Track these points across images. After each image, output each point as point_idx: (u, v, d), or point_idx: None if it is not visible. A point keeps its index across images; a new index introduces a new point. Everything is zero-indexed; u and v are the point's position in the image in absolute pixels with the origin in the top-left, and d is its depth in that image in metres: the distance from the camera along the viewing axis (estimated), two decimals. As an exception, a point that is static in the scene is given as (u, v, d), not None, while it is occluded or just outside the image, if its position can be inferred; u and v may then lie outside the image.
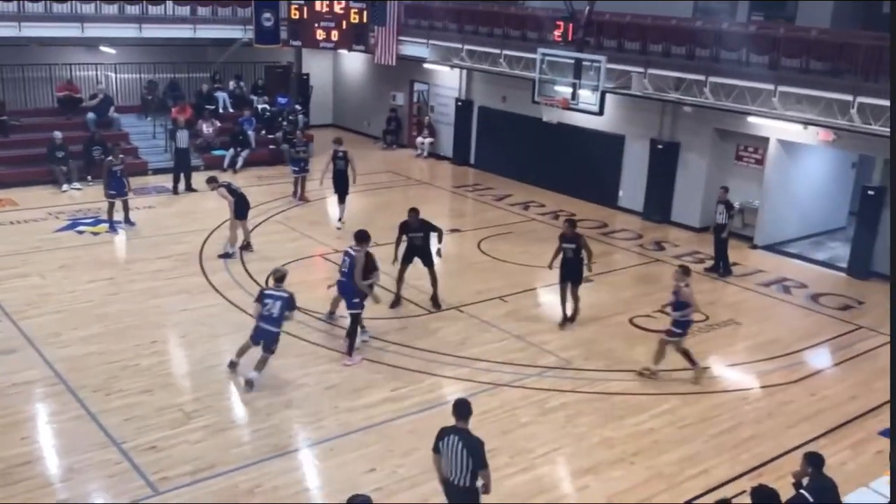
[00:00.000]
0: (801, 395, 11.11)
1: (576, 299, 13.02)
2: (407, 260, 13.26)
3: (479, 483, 7.10)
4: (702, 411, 10.60)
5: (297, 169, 19.63)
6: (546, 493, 8.80)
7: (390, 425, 9.89)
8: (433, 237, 13.22)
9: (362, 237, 11.56)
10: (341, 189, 17.46)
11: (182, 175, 19.68)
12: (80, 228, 16.60)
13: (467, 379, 11.08)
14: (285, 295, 10.57)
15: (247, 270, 14.63)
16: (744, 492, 8.43)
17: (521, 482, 8.88)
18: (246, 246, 15.60)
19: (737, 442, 9.92)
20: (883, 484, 8.26)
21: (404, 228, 13.15)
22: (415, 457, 9.21)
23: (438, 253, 13.26)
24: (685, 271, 11.37)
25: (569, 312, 13.06)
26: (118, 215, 16.78)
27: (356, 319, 11.45)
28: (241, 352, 10.90)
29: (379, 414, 10.12)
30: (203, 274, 14.48)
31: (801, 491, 7.18)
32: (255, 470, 8.87)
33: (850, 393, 11.25)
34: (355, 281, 11.30)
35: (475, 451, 6.97)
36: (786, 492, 7.56)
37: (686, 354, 11.32)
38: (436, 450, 7.21)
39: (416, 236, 13.11)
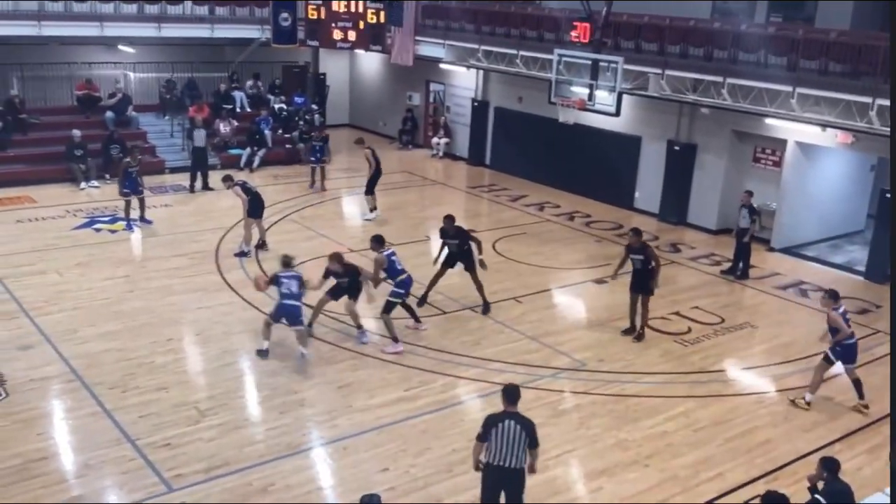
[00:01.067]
0: (818, 400, 10.99)
1: (645, 311, 12.58)
2: (447, 264, 13.35)
3: (527, 462, 7.53)
4: (717, 414, 10.54)
5: (314, 159, 20.46)
6: (560, 494, 8.78)
7: (403, 425, 9.90)
8: (473, 246, 13.25)
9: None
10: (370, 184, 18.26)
11: (199, 174, 19.79)
12: (98, 226, 16.72)
13: (481, 379, 11.06)
14: (298, 273, 11.44)
15: (262, 269, 14.67)
16: (758, 496, 8.40)
17: (535, 483, 8.80)
18: (261, 245, 15.66)
19: (752, 446, 9.85)
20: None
21: (442, 234, 13.30)
22: (427, 457, 9.22)
23: (482, 264, 13.31)
24: (832, 296, 10.74)
25: (637, 324, 12.71)
26: (135, 213, 16.91)
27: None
28: (266, 335, 11.33)
29: (392, 414, 10.12)
30: (219, 272, 14.56)
31: (816, 496, 7.14)
32: (268, 468, 8.90)
33: (867, 397, 11.13)
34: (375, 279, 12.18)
35: (532, 432, 7.43)
36: (801, 496, 7.53)
37: (856, 384, 10.86)
38: (483, 438, 7.46)
39: (452, 243, 13.20)
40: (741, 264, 15.65)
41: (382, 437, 9.61)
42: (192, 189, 19.74)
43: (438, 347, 11.98)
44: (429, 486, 8.71)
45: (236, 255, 15.29)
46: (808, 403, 10.82)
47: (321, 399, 10.42)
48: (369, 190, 18.24)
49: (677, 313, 13.77)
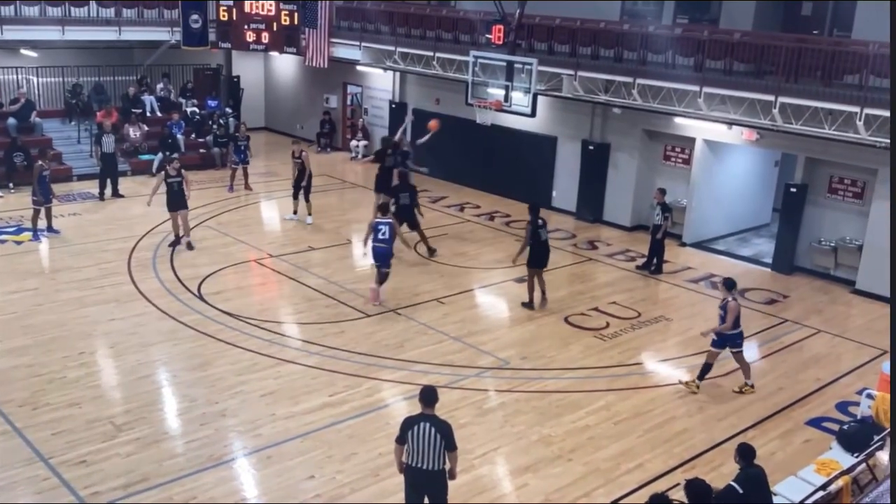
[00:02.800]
0: (731, 388, 11.41)
1: (540, 282, 14.00)
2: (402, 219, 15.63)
3: (447, 466, 7.49)
4: (636, 406, 10.82)
5: (237, 160, 20.38)
6: (486, 492, 8.85)
7: (329, 430, 9.81)
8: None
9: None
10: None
11: (108, 180, 19.19)
12: (2, 237, 16.01)
13: (406, 381, 11.06)
14: (391, 221, 13.65)
15: (177, 277, 14.34)
16: (677, 485, 8.66)
17: (461, 483, 8.87)
18: (176, 241, 15.55)
19: (670, 436, 10.14)
20: (810, 472, 8.53)
21: (395, 191, 16.26)
22: (354, 462, 9.18)
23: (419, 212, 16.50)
24: (728, 285, 10.99)
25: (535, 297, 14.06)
26: (42, 223, 16.26)
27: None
28: (382, 280, 13.53)
29: (317, 420, 10.03)
30: (132, 282, 14.14)
31: (731, 482, 7.39)
32: (190, 482, 8.69)
33: (777, 384, 11.62)
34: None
35: (447, 434, 7.35)
36: (719, 482, 7.80)
37: (708, 368, 11.16)
38: (400, 440, 7.41)
39: (404, 195, 16.05)
40: (655, 259, 16.11)
41: (308, 444, 9.51)
42: (101, 197, 19.12)
43: (363, 350, 11.93)
44: (356, 492, 8.67)
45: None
46: (752, 386, 11.30)
47: (243, 409, 10.24)
48: (306, 194, 18.12)
49: (596, 309, 14.07)
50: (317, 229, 17.66)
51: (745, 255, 17.60)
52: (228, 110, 24.43)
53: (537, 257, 13.79)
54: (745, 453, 7.55)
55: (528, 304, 13.85)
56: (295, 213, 18.24)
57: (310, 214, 18.01)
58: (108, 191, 19.16)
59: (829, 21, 17.44)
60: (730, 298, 10.93)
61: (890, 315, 14.50)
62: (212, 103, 24.23)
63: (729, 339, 11.06)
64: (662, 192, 16.04)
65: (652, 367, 12.17)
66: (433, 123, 18.16)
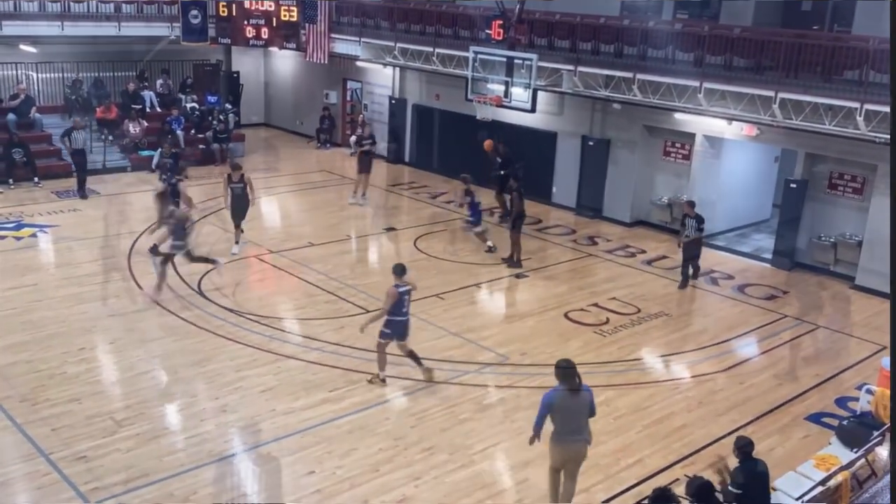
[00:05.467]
0: (730, 384, 11.43)
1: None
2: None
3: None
4: (635, 402, 10.83)
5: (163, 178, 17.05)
6: (486, 488, 8.86)
7: (329, 426, 9.82)
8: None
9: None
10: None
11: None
12: (2, 233, 16.00)
13: (406, 377, 11.07)
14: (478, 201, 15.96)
15: (177, 272, 14.33)
16: (677, 480, 8.68)
17: (462, 478, 8.94)
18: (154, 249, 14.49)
19: (669, 431, 10.16)
20: (810, 467, 8.54)
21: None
22: (354, 457, 9.19)
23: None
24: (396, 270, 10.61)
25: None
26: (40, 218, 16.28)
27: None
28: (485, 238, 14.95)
29: (317, 416, 10.04)
30: (132, 278, 14.14)
31: (730, 486, 7.34)
32: (190, 477, 8.71)
33: (776, 380, 11.63)
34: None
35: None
36: (716, 479, 7.78)
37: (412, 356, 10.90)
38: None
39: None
40: (691, 270, 15.23)
41: (308, 440, 9.52)
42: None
43: (362, 346, 11.92)
44: (355, 487, 8.68)
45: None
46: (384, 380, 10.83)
47: (243, 404, 10.24)
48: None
49: (596, 304, 14.07)
50: (316, 226, 17.64)
51: (745, 250, 17.59)
52: (228, 106, 24.40)
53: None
54: (742, 446, 7.54)
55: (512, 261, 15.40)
56: (237, 243, 15.78)
57: (237, 243, 15.74)
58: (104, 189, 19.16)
59: (830, 16, 17.44)
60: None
61: (890, 311, 14.49)
62: (211, 99, 24.19)
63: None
64: (692, 204, 15.08)
65: (651, 362, 12.18)
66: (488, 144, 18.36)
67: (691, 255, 15.16)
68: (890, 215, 15.58)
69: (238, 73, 26.57)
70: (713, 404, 10.88)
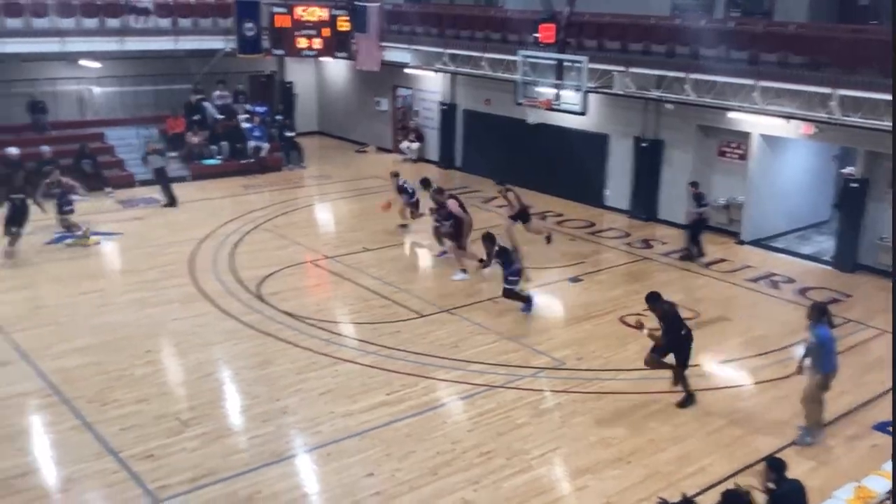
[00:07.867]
0: (794, 391, 11.12)
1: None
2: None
3: None
4: (696, 409, 10.61)
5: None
6: (545, 493, 8.80)
7: (387, 429, 9.91)
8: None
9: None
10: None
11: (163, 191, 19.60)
12: (69, 241, 16.50)
13: (462, 381, 11.12)
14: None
15: (237, 279, 14.62)
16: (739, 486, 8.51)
17: (520, 483, 8.91)
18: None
19: (731, 439, 9.93)
20: (874, 480, 8.26)
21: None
22: (412, 460, 9.25)
23: None
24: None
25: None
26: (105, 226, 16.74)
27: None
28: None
29: (375, 418, 10.14)
30: (194, 283, 14.47)
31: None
32: (253, 476, 8.88)
33: (841, 387, 11.12)
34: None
35: None
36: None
37: None
38: None
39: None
40: (695, 248, 16.30)
41: (366, 442, 9.62)
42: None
43: (418, 350, 12.03)
44: (414, 490, 8.73)
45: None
46: None
47: (303, 406, 10.41)
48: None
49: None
50: (369, 231, 17.80)
51: (806, 252, 17.17)
52: (279, 117, 24.78)
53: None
54: (777, 466, 7.31)
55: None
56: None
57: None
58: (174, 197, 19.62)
59: (889, 11, 17.02)
60: None
61: (891, 310, 14.06)
62: (259, 109, 24.59)
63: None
64: (695, 185, 16.38)
65: (711, 368, 11.96)
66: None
67: (693, 232, 16.32)
68: (891, 215, 15.16)
69: (292, 83, 27.01)
70: (776, 412, 10.62)
